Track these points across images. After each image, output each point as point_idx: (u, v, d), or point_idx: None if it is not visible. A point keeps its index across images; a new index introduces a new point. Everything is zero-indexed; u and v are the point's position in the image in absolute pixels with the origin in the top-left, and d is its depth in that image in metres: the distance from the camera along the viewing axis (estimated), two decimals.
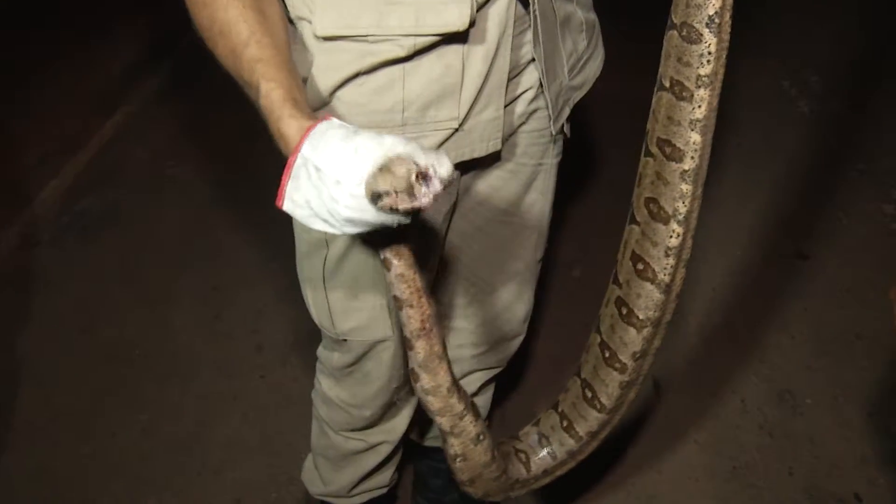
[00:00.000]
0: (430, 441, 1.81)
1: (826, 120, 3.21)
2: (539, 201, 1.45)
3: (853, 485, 1.98)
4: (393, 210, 0.85)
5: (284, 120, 0.93)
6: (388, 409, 1.54)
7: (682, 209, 1.06)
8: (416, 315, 1.05)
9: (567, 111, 1.34)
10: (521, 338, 1.66)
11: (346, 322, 1.37)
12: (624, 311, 1.15)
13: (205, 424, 2.21)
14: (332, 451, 1.63)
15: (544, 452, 1.32)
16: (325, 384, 1.55)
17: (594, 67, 1.39)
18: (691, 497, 1.99)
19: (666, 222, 1.07)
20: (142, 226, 2.87)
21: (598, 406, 1.23)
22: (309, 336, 2.32)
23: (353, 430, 1.57)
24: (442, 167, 0.85)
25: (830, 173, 2.92)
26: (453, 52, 1.13)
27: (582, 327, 2.28)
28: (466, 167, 1.30)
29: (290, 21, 1.13)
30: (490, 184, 1.38)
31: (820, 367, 2.27)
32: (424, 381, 1.10)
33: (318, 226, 0.91)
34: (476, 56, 1.15)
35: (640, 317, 1.14)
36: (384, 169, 0.85)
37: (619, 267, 1.16)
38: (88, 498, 2.05)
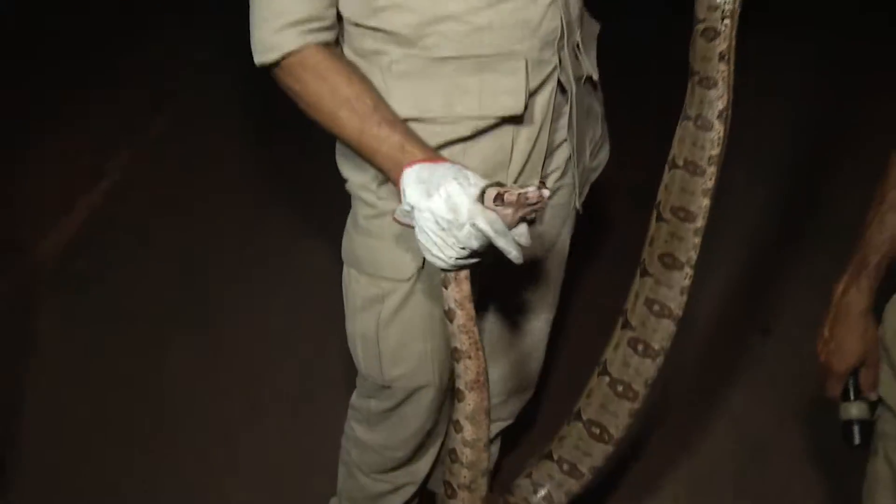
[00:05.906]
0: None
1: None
2: (555, 270, 1.62)
3: None
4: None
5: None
6: (417, 451, 1.63)
7: (694, 256, 1.33)
8: (473, 367, 1.12)
9: (587, 189, 1.53)
10: (532, 391, 1.78)
11: (395, 369, 1.48)
12: (640, 347, 1.35)
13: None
14: (360, 493, 1.71)
15: (539, 498, 1.44)
16: (358, 430, 1.64)
17: (605, 153, 1.59)
18: None
19: (680, 269, 1.33)
20: (131, 283, 2.90)
21: (606, 438, 1.39)
22: (318, 386, 2.39)
23: (382, 472, 1.66)
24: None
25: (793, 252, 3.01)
26: (506, 132, 1.31)
27: (564, 387, 2.39)
28: None
29: None
30: None
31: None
32: (468, 432, 1.16)
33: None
34: (523, 136, 1.32)
35: (656, 347, 1.35)
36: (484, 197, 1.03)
37: (629, 314, 1.37)
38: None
